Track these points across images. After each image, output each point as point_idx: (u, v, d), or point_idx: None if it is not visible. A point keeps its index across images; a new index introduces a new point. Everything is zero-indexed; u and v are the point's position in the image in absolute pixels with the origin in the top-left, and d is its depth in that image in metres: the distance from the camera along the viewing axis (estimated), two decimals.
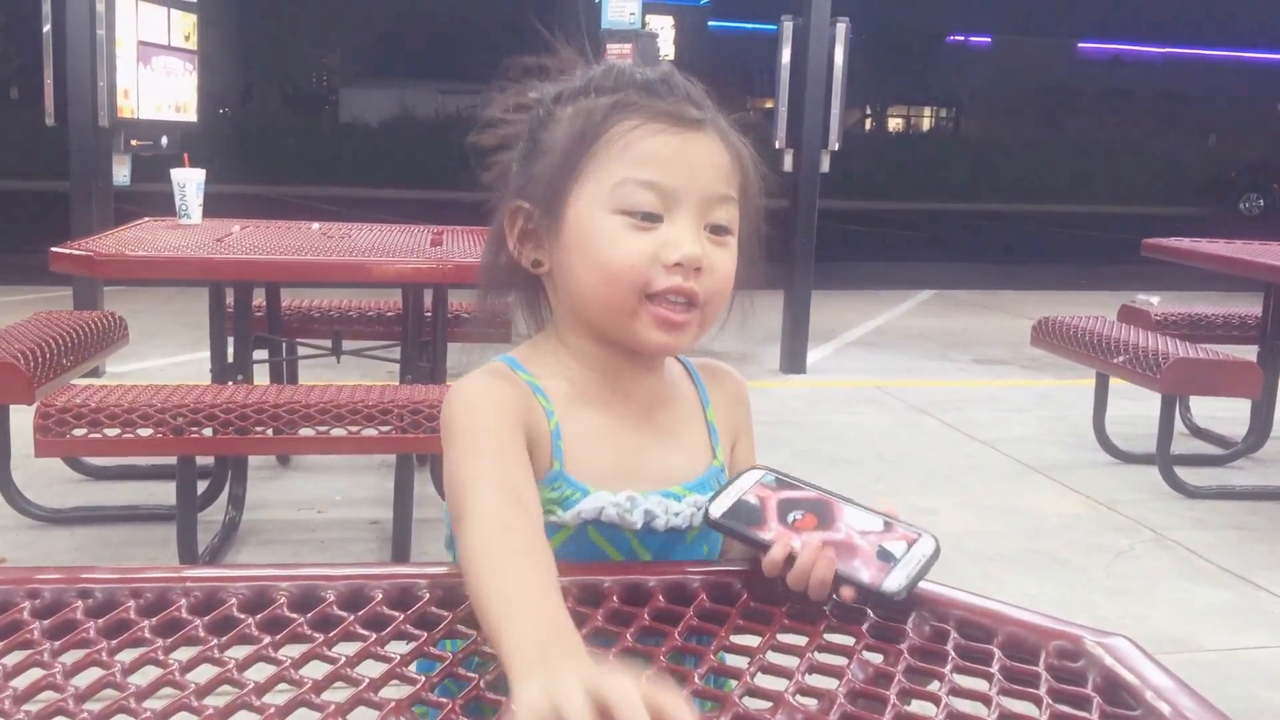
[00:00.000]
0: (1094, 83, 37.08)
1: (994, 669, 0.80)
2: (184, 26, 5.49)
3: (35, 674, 0.72)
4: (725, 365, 1.20)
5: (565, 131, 1.03)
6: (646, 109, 1.01)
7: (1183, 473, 4.14)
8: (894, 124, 39.66)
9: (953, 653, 0.82)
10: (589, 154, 1.00)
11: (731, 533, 0.96)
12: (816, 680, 0.77)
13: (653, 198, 0.99)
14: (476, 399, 1.00)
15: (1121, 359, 4.13)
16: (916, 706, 0.76)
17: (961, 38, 38.13)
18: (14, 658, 0.74)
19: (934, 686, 0.78)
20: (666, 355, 1.09)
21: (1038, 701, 0.76)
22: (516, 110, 1.10)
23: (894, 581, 0.88)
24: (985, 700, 0.75)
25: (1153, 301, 5.62)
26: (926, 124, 40.92)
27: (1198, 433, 4.90)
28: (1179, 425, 4.49)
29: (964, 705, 0.75)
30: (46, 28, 5.04)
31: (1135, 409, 4.77)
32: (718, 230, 1.02)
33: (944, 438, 4.82)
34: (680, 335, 1.01)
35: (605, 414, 1.06)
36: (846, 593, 0.89)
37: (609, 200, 0.99)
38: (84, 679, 0.72)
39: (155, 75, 5.28)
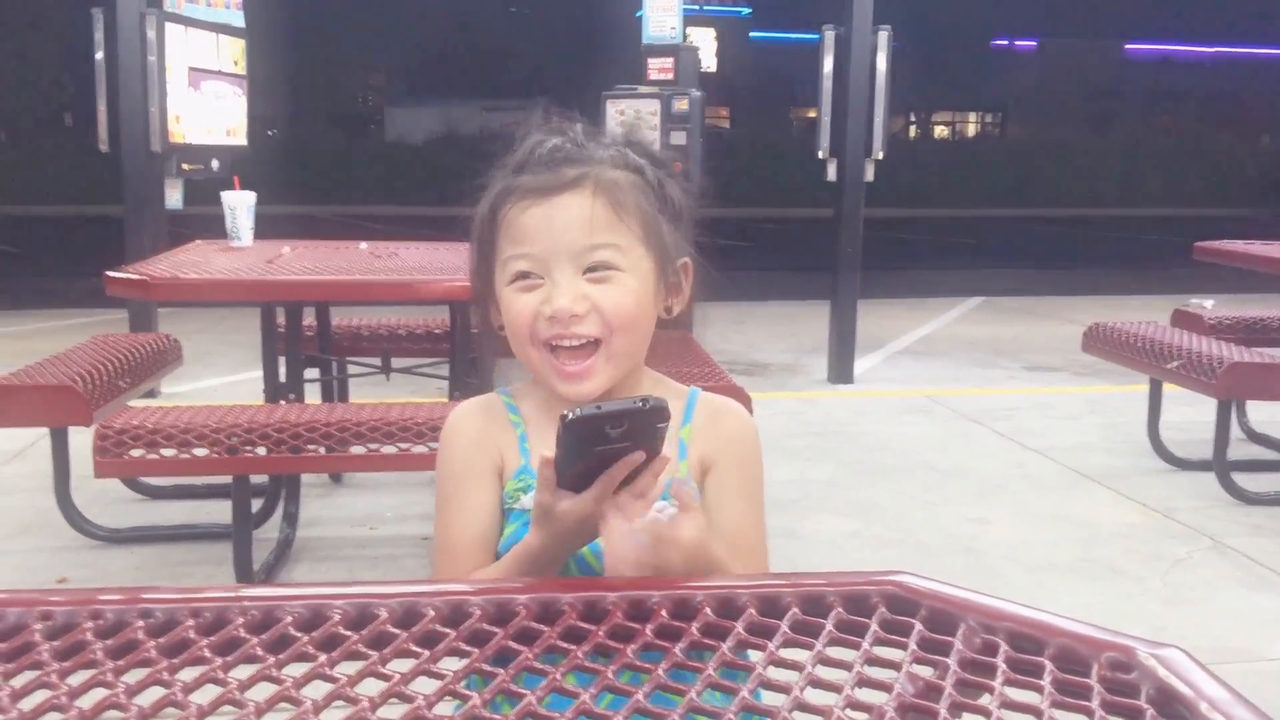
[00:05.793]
0: (1143, 84, 36.66)
1: (1045, 681, 0.79)
2: (233, 51, 5.59)
3: (99, 694, 0.74)
4: (736, 407, 1.26)
5: (476, 226, 1.22)
6: (519, 188, 1.17)
7: (1240, 479, 4.07)
8: (940, 130, 39.40)
9: (1003, 665, 0.82)
10: (492, 246, 1.20)
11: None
12: (866, 694, 0.77)
13: (528, 264, 1.16)
14: (447, 439, 1.25)
15: (1175, 364, 4.08)
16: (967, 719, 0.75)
17: (1006, 42, 37.83)
18: (78, 677, 0.76)
19: (984, 700, 0.77)
20: (585, 400, 1.15)
21: (1090, 714, 0.75)
22: None
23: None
24: (1036, 714, 0.75)
25: (1206, 305, 5.54)
26: (972, 129, 40.61)
27: (1255, 438, 4.81)
28: (1235, 430, 4.41)
29: (1015, 719, 0.75)
30: (99, 55, 5.15)
31: (1190, 414, 4.71)
32: (597, 269, 1.15)
33: (995, 447, 4.78)
34: (585, 381, 1.16)
35: None
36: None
37: (504, 275, 1.18)
38: (146, 698, 0.73)
39: (205, 100, 5.37)
